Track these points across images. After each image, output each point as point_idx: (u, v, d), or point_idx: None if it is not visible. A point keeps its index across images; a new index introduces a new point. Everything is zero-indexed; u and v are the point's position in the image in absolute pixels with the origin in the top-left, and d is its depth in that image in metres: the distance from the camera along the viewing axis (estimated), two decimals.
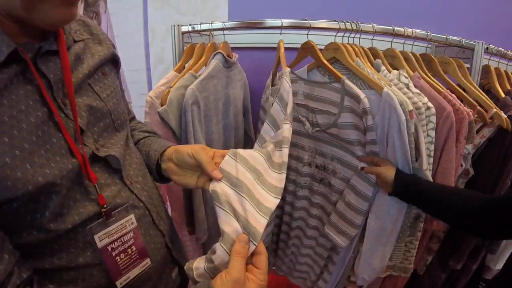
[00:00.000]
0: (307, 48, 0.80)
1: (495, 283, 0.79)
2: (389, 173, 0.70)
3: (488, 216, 0.58)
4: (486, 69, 0.92)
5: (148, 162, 0.59)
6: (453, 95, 0.73)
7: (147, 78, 1.34)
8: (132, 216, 0.49)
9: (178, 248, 0.61)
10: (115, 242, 0.47)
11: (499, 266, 0.96)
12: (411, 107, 0.64)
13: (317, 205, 0.93)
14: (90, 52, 0.50)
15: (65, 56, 0.44)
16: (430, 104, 0.68)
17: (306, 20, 0.78)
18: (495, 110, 0.79)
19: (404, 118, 0.63)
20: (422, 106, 0.67)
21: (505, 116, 0.80)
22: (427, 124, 0.69)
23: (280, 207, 1.01)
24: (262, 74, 0.91)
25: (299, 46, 0.81)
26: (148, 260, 0.52)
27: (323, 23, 0.75)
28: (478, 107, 0.78)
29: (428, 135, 0.70)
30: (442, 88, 0.75)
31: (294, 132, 0.90)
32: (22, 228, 0.40)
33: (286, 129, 0.55)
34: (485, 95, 0.82)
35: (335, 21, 0.77)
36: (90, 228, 0.44)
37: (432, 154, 0.72)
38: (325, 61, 0.76)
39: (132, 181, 0.51)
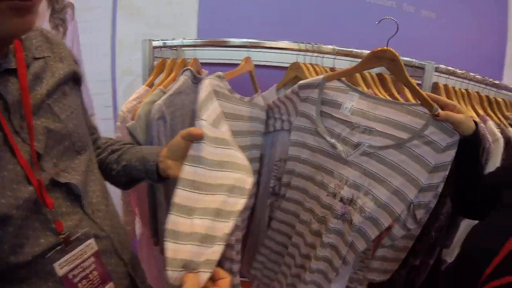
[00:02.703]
0: (294, 68, 0.91)
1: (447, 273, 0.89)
2: (470, 122, 0.67)
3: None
4: (435, 86, 1.08)
5: (143, 166, 0.61)
6: None
7: (112, 89, 1.38)
8: (91, 240, 0.50)
9: (142, 277, 0.63)
10: (76, 269, 0.48)
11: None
12: None
13: (327, 245, 0.83)
14: (51, 71, 0.50)
15: (24, 75, 0.44)
16: None
17: (267, 40, 0.89)
18: None
19: None
20: None
21: None
22: None
23: (286, 234, 0.95)
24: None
25: (261, 63, 0.92)
26: (111, 284, 0.53)
27: (284, 43, 0.86)
28: None
29: None
30: None
31: (323, 152, 0.83)
32: None
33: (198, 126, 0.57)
34: None
35: (299, 42, 0.89)
36: (49, 256, 0.45)
37: None
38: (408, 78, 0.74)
39: (94, 210, 0.53)
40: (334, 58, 0.90)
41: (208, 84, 0.66)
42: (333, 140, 0.80)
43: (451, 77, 1.16)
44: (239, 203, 0.56)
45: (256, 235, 1.08)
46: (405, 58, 1.00)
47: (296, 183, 0.89)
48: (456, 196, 0.77)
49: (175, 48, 1.10)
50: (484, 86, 1.25)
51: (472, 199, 0.73)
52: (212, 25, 1.19)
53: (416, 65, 1.02)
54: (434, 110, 0.70)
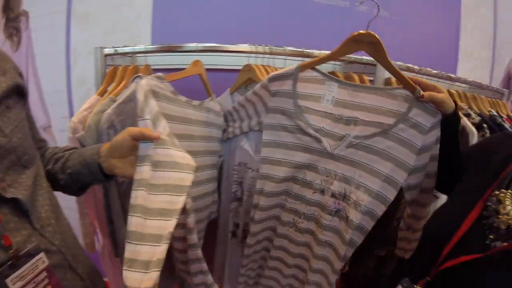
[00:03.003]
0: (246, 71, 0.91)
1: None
2: (451, 102, 0.69)
3: None
4: (388, 82, 1.12)
5: (87, 169, 0.62)
6: None
7: (68, 100, 1.35)
8: (42, 254, 0.50)
9: None
10: (29, 284, 0.48)
11: None
12: None
13: (325, 243, 0.81)
14: None
15: None
16: None
17: (220, 44, 0.90)
18: None
19: None
20: None
21: None
22: None
23: (267, 239, 0.92)
24: (185, 95, 1.00)
25: (216, 67, 0.92)
26: None
27: (235, 47, 0.87)
28: None
29: None
30: None
31: (303, 149, 0.80)
32: None
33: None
34: None
35: (251, 44, 0.90)
36: (0, 272, 0.45)
37: None
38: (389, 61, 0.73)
39: (44, 224, 0.53)
40: (285, 59, 0.92)
41: (144, 84, 0.67)
42: (317, 134, 0.77)
43: (405, 72, 1.21)
44: (179, 201, 0.58)
45: (224, 243, 1.08)
46: (355, 56, 1.04)
47: (271, 189, 0.83)
48: (440, 175, 0.78)
49: (130, 55, 1.08)
50: (437, 79, 1.32)
51: (455, 176, 0.75)
52: (167, 30, 1.18)
53: (365, 62, 1.06)
54: (417, 92, 0.70)
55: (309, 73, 0.79)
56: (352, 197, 0.76)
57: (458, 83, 1.48)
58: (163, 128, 0.64)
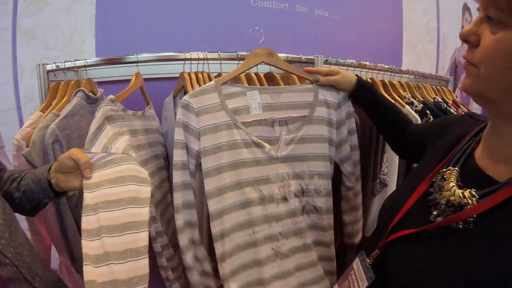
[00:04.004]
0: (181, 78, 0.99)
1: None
2: (348, 79, 0.86)
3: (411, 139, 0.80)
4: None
5: (38, 186, 0.66)
6: None
7: (19, 118, 1.36)
8: None
9: None
10: None
11: None
12: None
13: (311, 245, 0.84)
14: None
15: None
16: None
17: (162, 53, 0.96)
18: None
19: None
20: None
21: None
22: None
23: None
24: (131, 105, 1.05)
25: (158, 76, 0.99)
26: None
27: (170, 55, 0.95)
28: None
29: None
30: None
31: (248, 163, 0.79)
32: None
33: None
34: None
35: (186, 52, 0.97)
36: None
37: None
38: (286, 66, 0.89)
39: None
40: (220, 63, 1.00)
41: (101, 114, 0.76)
42: (259, 141, 0.80)
43: (358, 69, 1.32)
44: (143, 212, 0.63)
45: None
46: (292, 55, 1.13)
47: (232, 223, 0.78)
48: (386, 138, 0.93)
49: (75, 70, 1.12)
50: (390, 73, 1.44)
51: (396, 136, 0.86)
52: (110, 42, 1.23)
53: (304, 60, 1.15)
54: (315, 78, 0.88)
55: (229, 89, 0.82)
56: (310, 188, 0.82)
57: (406, 75, 1.61)
58: (116, 149, 0.71)
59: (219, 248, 0.78)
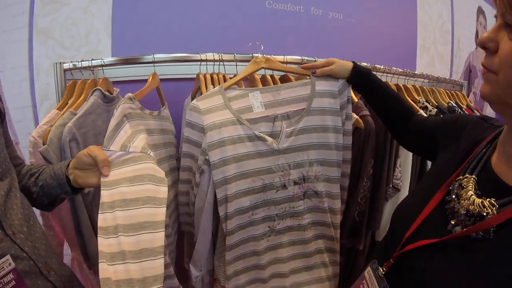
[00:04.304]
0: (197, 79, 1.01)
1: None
2: (343, 67, 0.88)
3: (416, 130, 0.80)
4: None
5: (56, 182, 0.68)
6: None
7: (34, 116, 1.39)
8: (8, 257, 0.54)
9: None
10: None
11: None
12: None
13: (310, 225, 0.93)
14: None
15: None
16: None
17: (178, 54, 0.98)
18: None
19: None
20: None
21: (356, 116, 1.08)
22: None
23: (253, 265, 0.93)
24: (147, 105, 1.07)
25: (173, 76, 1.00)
26: None
27: (186, 56, 0.96)
28: None
29: None
30: None
31: (252, 156, 0.86)
32: None
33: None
34: None
35: (202, 53, 0.98)
36: None
37: None
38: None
39: (15, 231, 0.57)
40: (236, 65, 1.01)
41: (120, 112, 0.77)
42: (262, 135, 0.86)
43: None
44: (160, 213, 0.64)
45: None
46: (307, 57, 1.13)
47: (234, 207, 0.87)
48: (388, 128, 0.94)
49: (91, 69, 1.14)
50: (404, 77, 1.43)
51: (399, 126, 0.87)
52: (126, 42, 1.25)
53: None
54: (312, 72, 0.93)
55: (232, 92, 0.90)
56: (310, 175, 0.89)
57: (420, 79, 1.59)
58: (134, 148, 0.71)
59: (223, 229, 0.88)
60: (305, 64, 0.94)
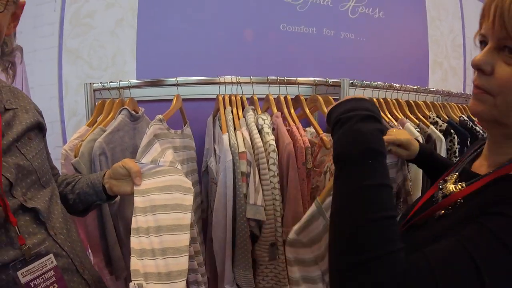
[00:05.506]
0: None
1: None
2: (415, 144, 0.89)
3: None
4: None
5: (93, 190, 0.79)
6: (300, 127, 1.05)
7: (62, 130, 1.52)
8: (51, 255, 0.63)
9: None
10: (37, 279, 0.60)
11: None
12: (242, 149, 0.93)
13: None
14: (18, 120, 0.67)
15: None
16: (271, 142, 0.96)
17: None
18: None
19: (230, 158, 0.93)
20: (262, 146, 0.96)
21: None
22: (268, 161, 0.97)
23: None
24: (171, 122, 1.18)
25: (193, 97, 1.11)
26: None
27: (205, 79, 1.07)
28: (322, 134, 1.05)
29: (270, 170, 0.96)
30: (295, 123, 1.07)
31: None
32: None
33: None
34: None
35: (217, 76, 1.10)
36: (14, 265, 0.57)
37: (277, 186, 0.98)
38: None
39: (57, 232, 0.66)
40: (252, 86, 1.11)
41: (151, 132, 0.88)
42: None
43: (383, 90, 1.39)
44: (186, 217, 0.75)
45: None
46: (319, 78, 1.22)
47: None
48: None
49: (118, 89, 1.27)
50: (415, 93, 1.50)
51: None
52: (150, 63, 1.38)
53: (331, 83, 1.24)
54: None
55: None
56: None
57: (432, 94, 1.66)
58: (163, 162, 0.82)
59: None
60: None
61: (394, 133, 0.89)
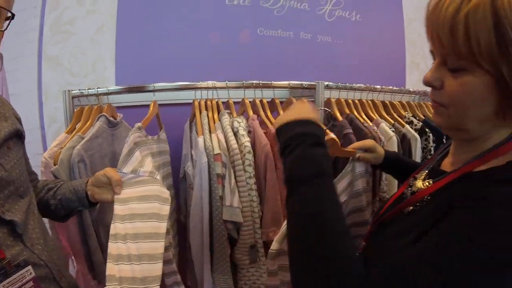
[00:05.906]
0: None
1: None
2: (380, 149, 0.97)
3: None
4: (328, 101, 1.35)
5: (76, 196, 0.80)
6: None
7: (42, 137, 1.53)
8: (29, 267, 0.64)
9: None
10: None
11: None
12: (217, 151, 0.96)
13: None
14: None
15: None
16: (247, 144, 1.00)
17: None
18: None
19: (205, 160, 0.96)
20: (237, 147, 0.99)
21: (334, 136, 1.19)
22: (243, 162, 1.00)
23: None
24: (148, 129, 1.21)
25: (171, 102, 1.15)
26: None
27: (183, 84, 1.10)
28: None
29: (246, 171, 1.00)
30: (273, 125, 1.11)
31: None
32: None
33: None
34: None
35: (193, 82, 1.13)
36: None
37: (254, 187, 1.01)
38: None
39: (34, 243, 0.67)
40: (228, 91, 1.15)
41: (131, 140, 0.91)
42: None
43: (366, 92, 1.44)
44: (162, 226, 0.78)
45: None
46: (294, 82, 1.27)
47: None
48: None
49: (96, 96, 1.29)
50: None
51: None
52: (129, 70, 1.41)
53: (306, 86, 1.29)
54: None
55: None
56: None
57: (408, 94, 1.72)
58: (143, 172, 0.85)
59: None
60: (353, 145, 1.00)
61: (360, 141, 0.98)
